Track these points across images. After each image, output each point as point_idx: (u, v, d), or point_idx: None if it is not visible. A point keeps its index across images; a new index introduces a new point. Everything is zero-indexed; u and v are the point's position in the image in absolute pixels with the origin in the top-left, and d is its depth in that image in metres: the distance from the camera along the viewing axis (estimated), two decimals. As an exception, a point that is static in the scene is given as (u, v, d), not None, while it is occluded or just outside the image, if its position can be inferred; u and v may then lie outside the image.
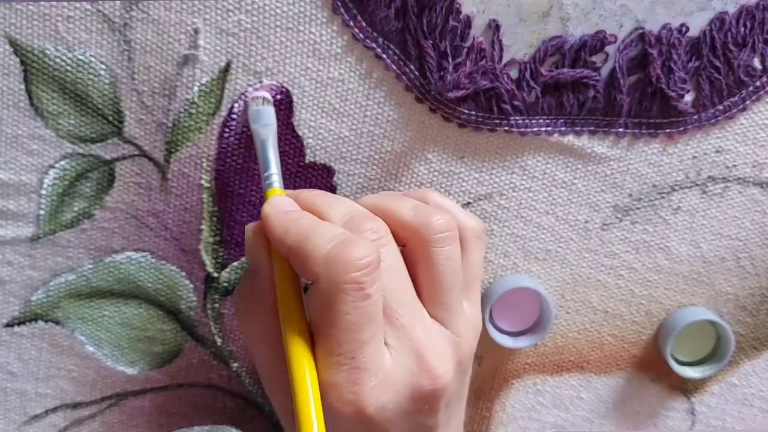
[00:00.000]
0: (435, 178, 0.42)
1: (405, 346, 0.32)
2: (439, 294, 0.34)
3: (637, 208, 0.43)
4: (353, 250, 0.31)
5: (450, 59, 0.39)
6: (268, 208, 0.34)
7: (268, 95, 0.39)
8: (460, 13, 0.39)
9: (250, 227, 0.35)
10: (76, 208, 0.41)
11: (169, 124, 0.39)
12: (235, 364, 0.44)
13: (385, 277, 0.32)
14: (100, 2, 0.37)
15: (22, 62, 0.38)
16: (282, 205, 0.35)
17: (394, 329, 0.32)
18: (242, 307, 0.36)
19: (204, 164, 0.40)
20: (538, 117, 0.41)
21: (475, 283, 0.36)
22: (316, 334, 0.32)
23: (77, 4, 0.37)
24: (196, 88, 0.39)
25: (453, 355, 0.34)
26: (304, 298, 0.34)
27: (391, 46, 0.39)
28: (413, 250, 0.34)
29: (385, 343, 0.32)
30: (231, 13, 0.38)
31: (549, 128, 0.41)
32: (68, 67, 0.38)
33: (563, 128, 0.41)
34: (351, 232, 0.32)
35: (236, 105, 0.39)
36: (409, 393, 0.32)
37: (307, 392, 0.30)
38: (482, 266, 0.37)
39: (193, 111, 0.39)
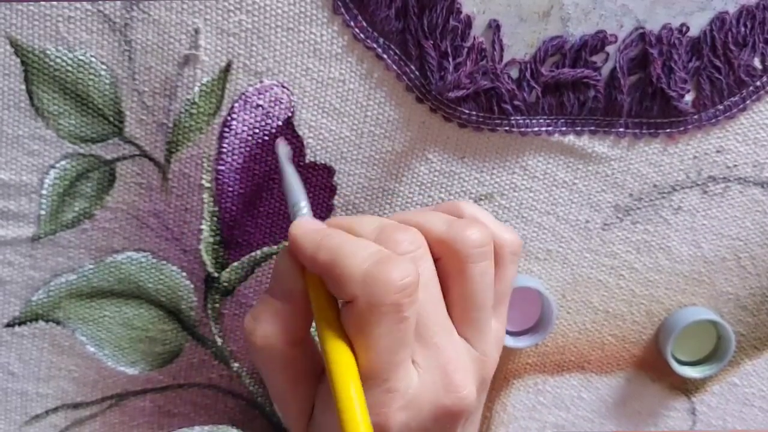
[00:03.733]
0: (436, 178, 0.42)
1: (433, 365, 0.31)
2: (470, 311, 0.33)
3: (638, 208, 0.43)
4: (393, 270, 0.29)
5: (450, 59, 0.39)
6: (295, 229, 0.32)
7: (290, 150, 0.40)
8: (461, 13, 0.39)
9: (281, 253, 0.33)
10: (76, 208, 0.41)
11: (170, 124, 0.39)
12: (236, 364, 0.44)
13: (421, 292, 0.30)
14: (101, 2, 0.37)
15: (22, 62, 0.38)
16: (310, 224, 0.33)
17: (425, 348, 0.31)
18: (259, 332, 0.33)
19: (204, 164, 0.40)
20: (538, 117, 0.41)
21: (505, 300, 0.35)
22: None
23: (78, 5, 0.37)
24: (196, 89, 0.39)
25: (477, 375, 0.33)
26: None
27: (392, 47, 0.39)
28: (446, 264, 0.32)
29: (413, 361, 0.31)
30: (232, 14, 0.38)
31: (549, 128, 0.41)
32: (69, 68, 0.38)
33: (564, 128, 0.41)
34: (385, 245, 0.31)
35: (236, 104, 0.39)
36: (432, 412, 0.31)
37: (357, 425, 0.28)
38: (512, 283, 0.35)
39: (194, 111, 0.39)
